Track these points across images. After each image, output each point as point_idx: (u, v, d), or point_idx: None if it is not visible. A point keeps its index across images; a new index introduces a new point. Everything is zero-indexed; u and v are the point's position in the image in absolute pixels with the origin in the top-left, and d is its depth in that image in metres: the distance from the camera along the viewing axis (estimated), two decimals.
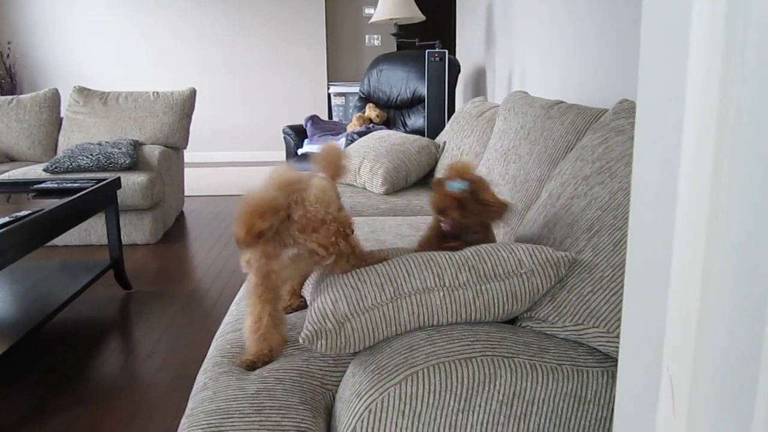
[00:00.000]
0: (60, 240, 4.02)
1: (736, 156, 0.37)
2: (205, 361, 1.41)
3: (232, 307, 1.65)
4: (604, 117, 1.65)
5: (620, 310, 1.08)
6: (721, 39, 0.40)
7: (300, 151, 4.53)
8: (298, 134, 4.64)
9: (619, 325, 1.08)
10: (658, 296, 0.40)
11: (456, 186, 1.42)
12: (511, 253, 1.24)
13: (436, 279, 1.19)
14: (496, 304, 1.20)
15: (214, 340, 1.51)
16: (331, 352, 1.17)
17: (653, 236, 0.44)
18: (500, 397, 1.05)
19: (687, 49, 0.44)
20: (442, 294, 1.18)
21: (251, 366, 1.30)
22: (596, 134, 1.57)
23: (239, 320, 1.51)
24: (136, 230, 4.04)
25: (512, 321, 1.31)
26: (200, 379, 1.33)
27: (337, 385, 1.26)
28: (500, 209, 1.43)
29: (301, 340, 1.16)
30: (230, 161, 7.69)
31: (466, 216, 1.42)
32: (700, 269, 0.37)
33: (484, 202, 1.42)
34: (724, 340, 0.34)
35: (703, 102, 0.40)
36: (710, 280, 0.36)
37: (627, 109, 1.57)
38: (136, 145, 4.23)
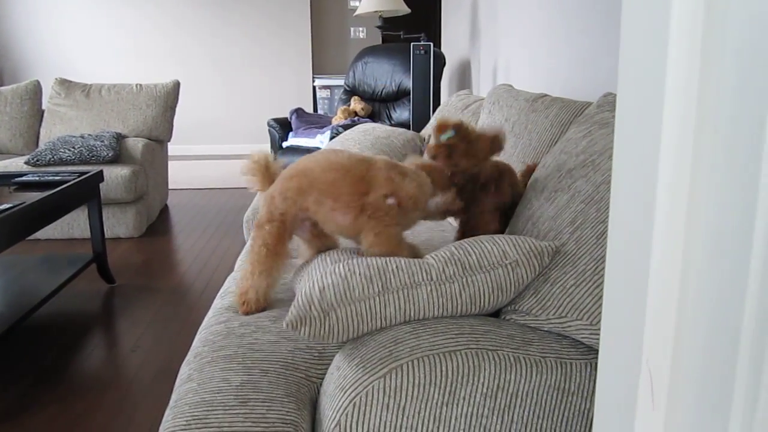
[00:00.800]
0: (42, 233, 3.99)
1: (716, 148, 0.37)
2: (189, 352, 1.41)
3: (216, 301, 1.64)
4: (588, 110, 1.66)
5: (601, 302, 1.09)
6: (700, 30, 0.40)
7: (285, 144, 4.51)
8: (282, 127, 4.63)
9: (599, 319, 1.08)
10: (638, 290, 0.41)
11: (443, 137, 1.54)
12: (495, 245, 1.25)
13: (424, 274, 1.20)
14: (482, 296, 1.21)
15: (198, 333, 1.50)
16: (312, 340, 1.17)
17: (633, 230, 0.44)
18: (484, 389, 1.06)
19: (666, 41, 0.44)
20: (429, 288, 1.18)
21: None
22: (580, 127, 1.58)
23: (223, 313, 1.51)
24: (119, 223, 4.01)
25: (496, 314, 1.32)
26: (184, 370, 1.33)
27: (322, 378, 1.26)
28: (490, 140, 1.56)
29: (284, 324, 1.16)
30: (214, 154, 7.65)
31: (460, 159, 1.54)
32: (679, 263, 0.37)
33: (472, 139, 1.54)
34: (704, 333, 0.34)
35: (682, 95, 0.40)
36: (689, 273, 0.36)
37: (611, 102, 1.58)
38: (119, 138, 4.19)
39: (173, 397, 1.26)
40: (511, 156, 1.96)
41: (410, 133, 3.19)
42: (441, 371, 1.05)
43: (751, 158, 0.31)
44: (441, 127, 1.55)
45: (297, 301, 1.18)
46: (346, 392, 1.06)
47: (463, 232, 1.66)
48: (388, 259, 1.23)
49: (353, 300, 1.16)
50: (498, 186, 1.63)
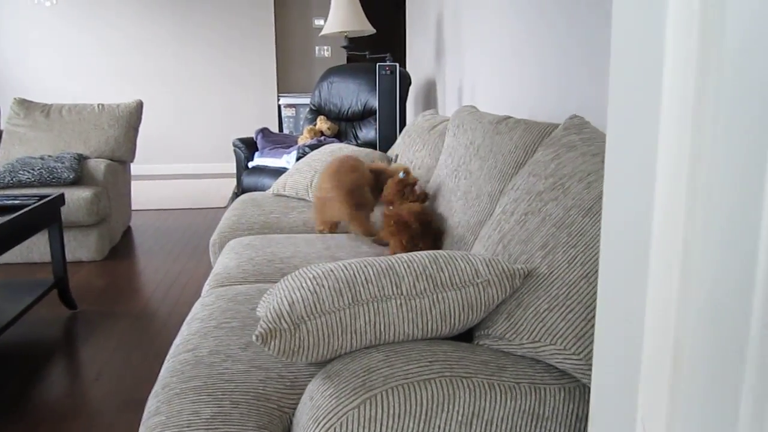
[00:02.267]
0: (0, 258, 3.88)
1: (710, 186, 0.37)
2: (156, 383, 1.37)
3: (183, 327, 1.61)
4: (555, 132, 1.67)
5: (576, 326, 1.09)
6: (696, 47, 0.40)
7: (251, 164, 4.48)
8: (248, 147, 4.59)
9: (575, 342, 1.09)
10: (632, 345, 0.40)
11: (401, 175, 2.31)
12: (468, 263, 1.25)
13: (394, 287, 1.20)
14: (453, 314, 1.21)
15: (165, 361, 1.47)
16: (282, 355, 1.15)
17: (625, 282, 0.44)
18: (459, 417, 1.05)
19: (662, 58, 0.44)
20: (399, 302, 1.18)
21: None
22: (548, 149, 1.59)
23: (191, 341, 1.48)
24: (80, 247, 3.92)
25: (469, 338, 1.31)
26: (151, 403, 1.29)
27: (295, 408, 1.23)
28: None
29: (254, 338, 1.14)
30: (179, 174, 7.55)
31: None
32: (673, 317, 0.37)
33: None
34: (702, 389, 0.33)
35: (677, 123, 0.40)
36: (685, 328, 0.36)
37: (577, 125, 1.60)
38: (81, 159, 4.11)
39: (141, 431, 1.22)
40: (478, 178, 1.97)
41: (377, 153, 3.19)
42: (416, 400, 1.04)
43: (752, 226, 0.31)
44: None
45: (266, 315, 1.17)
46: (319, 424, 1.04)
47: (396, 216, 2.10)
48: (356, 271, 1.23)
49: (323, 312, 1.16)
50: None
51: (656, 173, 0.42)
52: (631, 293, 0.43)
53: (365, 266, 1.25)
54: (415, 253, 1.31)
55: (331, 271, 1.24)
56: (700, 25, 0.39)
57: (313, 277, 1.24)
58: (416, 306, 1.19)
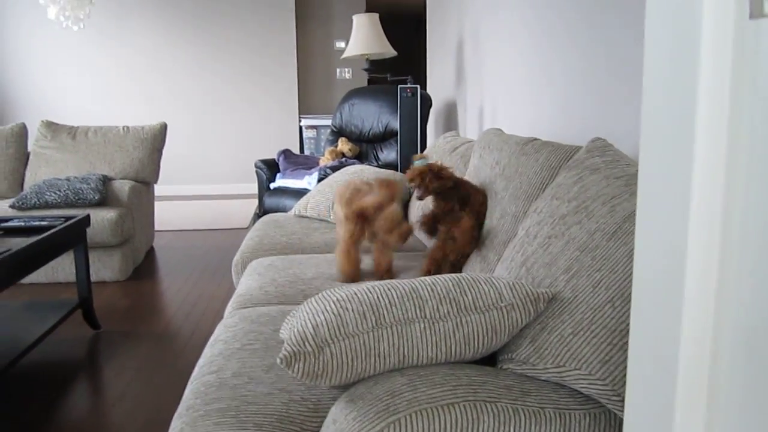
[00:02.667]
0: (26, 278, 3.93)
1: (746, 208, 0.37)
2: (180, 404, 1.38)
3: (207, 349, 1.62)
4: (577, 155, 1.67)
5: (601, 351, 1.09)
6: (728, 83, 0.40)
7: (272, 186, 4.51)
8: (270, 168, 4.63)
9: (600, 368, 1.08)
10: (667, 373, 0.40)
11: (417, 162, 2.06)
12: (491, 287, 1.25)
13: (418, 310, 1.20)
14: (476, 338, 1.20)
15: (189, 383, 1.47)
16: (306, 378, 1.15)
17: (659, 307, 0.44)
18: None
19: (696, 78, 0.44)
20: (422, 326, 1.18)
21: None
22: (571, 172, 1.59)
23: (214, 362, 1.49)
24: (104, 267, 3.97)
25: (492, 362, 1.31)
26: (176, 424, 1.30)
27: (318, 431, 1.23)
28: (450, 177, 2.11)
29: (278, 360, 1.15)
30: (201, 194, 7.63)
31: (429, 182, 2.09)
32: (709, 345, 0.36)
33: (438, 172, 2.10)
34: (737, 422, 0.33)
35: (712, 153, 0.40)
36: (721, 356, 0.36)
37: (600, 147, 1.60)
38: (106, 181, 4.17)
39: None
40: (503, 198, 1.97)
41: (398, 174, 3.20)
42: (439, 425, 1.04)
43: None
44: (415, 160, 2.17)
45: (290, 338, 1.17)
46: None
47: (445, 250, 2.10)
48: (380, 294, 1.23)
49: (347, 335, 1.16)
50: (479, 203, 2.09)
51: (691, 195, 0.42)
52: (664, 319, 0.43)
53: (389, 289, 1.25)
54: (438, 276, 1.31)
55: (355, 294, 1.25)
56: (734, 44, 0.40)
57: (337, 300, 1.24)
58: (440, 329, 1.19)
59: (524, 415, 1.07)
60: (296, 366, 1.15)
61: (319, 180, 4.05)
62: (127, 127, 4.62)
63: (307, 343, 1.15)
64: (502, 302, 1.23)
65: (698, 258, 0.40)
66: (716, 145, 0.39)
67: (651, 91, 0.46)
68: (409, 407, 1.06)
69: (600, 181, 1.42)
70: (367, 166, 3.42)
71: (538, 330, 1.22)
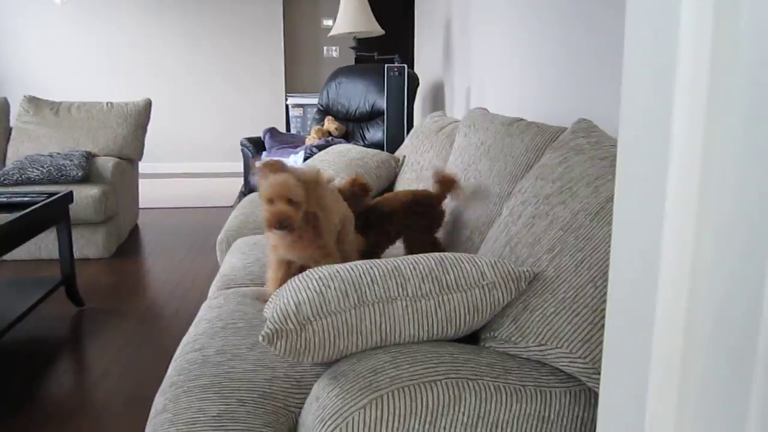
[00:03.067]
0: (8, 254, 3.90)
1: (722, 190, 0.38)
2: (164, 381, 1.38)
3: (191, 328, 1.62)
4: (562, 136, 1.67)
5: (583, 330, 1.10)
6: (708, 51, 0.40)
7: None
8: (255, 146, 4.61)
9: (581, 346, 1.09)
10: (642, 350, 0.40)
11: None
12: (473, 265, 1.26)
13: (400, 289, 1.20)
14: (458, 316, 1.21)
15: (173, 361, 1.47)
16: (288, 355, 1.16)
17: (635, 286, 0.44)
18: (465, 419, 1.05)
19: (675, 59, 0.44)
20: (404, 304, 1.19)
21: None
22: (555, 153, 1.59)
23: (198, 340, 1.49)
24: (88, 244, 3.94)
25: (475, 341, 1.32)
26: (158, 400, 1.30)
27: (301, 407, 1.24)
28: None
29: (260, 338, 1.15)
30: (186, 172, 7.58)
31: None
32: (682, 323, 0.37)
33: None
34: (710, 400, 0.34)
35: (689, 139, 0.41)
36: (694, 334, 0.36)
37: (585, 129, 1.60)
38: (89, 157, 4.13)
39: (147, 429, 1.23)
40: (487, 178, 1.97)
41: (384, 154, 3.20)
42: (421, 402, 1.05)
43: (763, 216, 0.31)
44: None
45: (273, 316, 1.18)
46: (325, 424, 1.04)
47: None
48: (362, 272, 1.24)
49: (329, 313, 1.17)
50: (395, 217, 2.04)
51: (668, 176, 0.42)
52: (640, 298, 0.44)
53: (371, 267, 1.25)
54: (421, 255, 1.32)
55: (337, 272, 1.25)
56: (714, 23, 0.40)
57: (320, 278, 1.24)
58: (422, 308, 1.20)
59: (506, 392, 1.08)
60: (278, 343, 1.15)
61: (305, 159, 4.03)
62: (111, 104, 4.57)
63: (289, 321, 1.15)
64: (483, 281, 1.23)
65: (674, 238, 0.40)
66: (694, 124, 0.39)
67: (630, 67, 0.46)
68: (391, 384, 1.06)
69: (584, 161, 1.42)
70: (354, 146, 3.41)
71: (520, 309, 1.23)
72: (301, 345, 1.15)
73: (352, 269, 1.25)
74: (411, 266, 1.26)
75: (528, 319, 1.19)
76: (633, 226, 0.46)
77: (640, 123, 0.47)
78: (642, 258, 0.43)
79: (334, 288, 1.20)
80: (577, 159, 1.46)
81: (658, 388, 0.38)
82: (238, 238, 2.58)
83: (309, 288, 1.22)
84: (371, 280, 1.22)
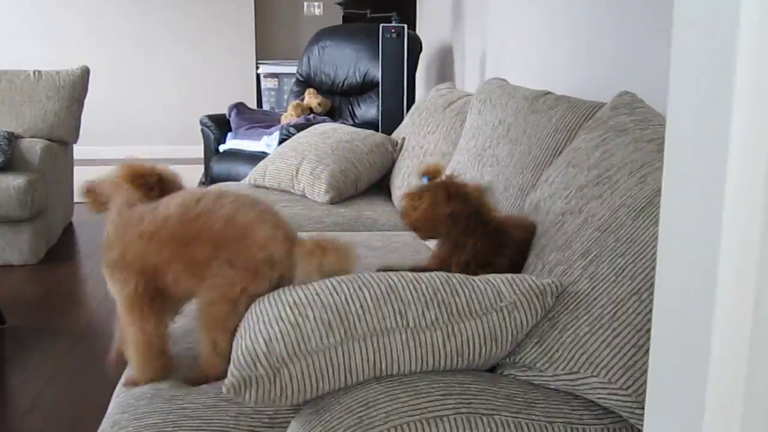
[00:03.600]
0: None
1: None
2: (104, 421, 1.38)
3: None
4: (600, 113, 1.68)
5: (624, 354, 1.10)
6: None
7: (222, 148, 4.49)
8: (219, 126, 4.60)
9: (622, 374, 1.09)
10: (695, 379, 0.40)
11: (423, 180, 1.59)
12: (487, 284, 1.25)
13: (398, 317, 1.19)
14: (472, 348, 1.21)
15: (115, 395, 1.47)
16: (263, 404, 1.16)
17: (687, 301, 0.44)
18: None
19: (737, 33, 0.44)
20: (404, 337, 1.18)
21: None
22: (591, 134, 1.59)
23: None
24: (10, 247, 3.94)
25: (492, 368, 1.32)
26: None
27: None
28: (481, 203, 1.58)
29: (224, 390, 1.15)
30: (132, 158, 7.56)
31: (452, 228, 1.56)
32: (747, 342, 0.37)
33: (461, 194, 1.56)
34: None
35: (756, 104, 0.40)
36: (761, 358, 0.36)
37: (628, 104, 1.60)
38: (11, 139, 4.12)
39: None
40: (507, 166, 1.97)
41: (379, 135, 3.20)
42: None
43: None
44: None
45: (237, 359, 1.17)
46: None
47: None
48: (349, 296, 1.22)
49: (309, 352, 1.15)
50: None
51: (728, 163, 0.42)
52: (694, 314, 0.43)
53: (360, 288, 1.24)
54: (420, 273, 1.30)
55: (317, 294, 1.24)
56: None
57: (294, 303, 1.23)
58: (426, 340, 1.19)
59: (529, 430, 1.08)
60: (247, 394, 1.14)
61: (281, 141, 4.04)
62: (39, 72, 4.55)
63: (258, 365, 1.14)
64: (501, 302, 1.23)
65: (735, 239, 0.40)
66: (761, 97, 0.39)
67: (681, 27, 0.46)
68: (387, 420, 1.06)
69: (627, 145, 1.43)
70: (341, 125, 3.42)
71: (547, 328, 1.23)
72: (275, 392, 1.15)
73: (336, 291, 1.24)
74: (411, 287, 1.24)
75: (557, 341, 1.19)
76: (684, 224, 0.46)
77: (694, 95, 0.47)
78: (695, 264, 0.43)
79: (315, 318, 1.19)
80: (619, 141, 1.46)
81: (716, 426, 0.38)
82: None
83: (282, 318, 1.20)
84: (361, 307, 1.20)
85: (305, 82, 4.99)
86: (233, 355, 1.20)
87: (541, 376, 1.20)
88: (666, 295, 0.49)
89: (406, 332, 1.19)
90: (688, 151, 0.48)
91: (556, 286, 1.25)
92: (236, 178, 4.13)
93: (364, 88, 4.77)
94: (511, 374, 1.25)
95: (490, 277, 1.28)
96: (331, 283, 1.26)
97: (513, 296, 1.23)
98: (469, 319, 1.21)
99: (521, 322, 1.23)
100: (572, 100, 1.93)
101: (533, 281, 1.25)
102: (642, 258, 1.16)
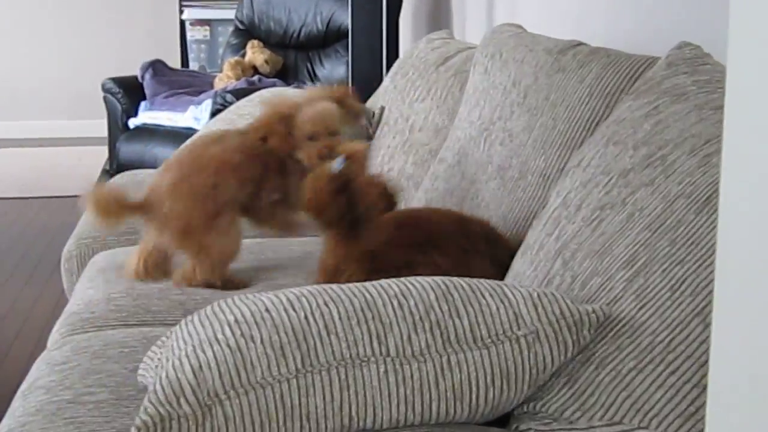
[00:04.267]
0: None
1: None
2: None
3: (16, 404, 1.61)
4: (651, 72, 1.68)
5: (684, 398, 1.10)
6: None
7: (133, 122, 4.47)
8: (129, 93, 4.58)
9: (681, 424, 1.10)
10: None
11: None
12: (502, 302, 1.25)
13: (375, 342, 1.19)
14: (476, 389, 1.21)
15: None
16: None
17: (754, 323, 0.44)
18: None
19: None
20: (383, 369, 1.18)
21: None
22: (639, 100, 1.60)
23: (29, 425, 1.48)
24: None
25: (503, 418, 1.32)
26: None
27: None
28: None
29: (133, 430, 1.13)
30: (11, 138, 7.51)
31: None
32: None
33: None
34: None
35: None
36: None
37: (690, 60, 1.61)
38: None
39: None
40: (524, 144, 1.98)
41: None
42: None
43: None
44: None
45: (156, 390, 1.16)
46: None
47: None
48: (310, 311, 1.21)
49: (252, 386, 1.15)
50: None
51: None
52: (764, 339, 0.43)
53: (325, 304, 1.23)
54: (411, 279, 1.30)
55: (267, 310, 1.23)
56: None
57: (236, 320, 1.22)
58: (412, 375, 1.18)
59: None
60: None
61: (214, 114, 4.03)
62: None
63: (183, 401, 1.14)
64: (519, 329, 1.22)
65: None
66: None
67: None
68: None
69: (688, 114, 1.43)
70: (296, 90, 3.41)
71: (579, 363, 1.23)
72: None
73: (293, 306, 1.23)
74: (395, 301, 1.24)
75: (592, 381, 1.19)
76: (750, 220, 0.46)
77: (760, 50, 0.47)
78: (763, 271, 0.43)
79: (262, 340, 1.18)
80: (676, 110, 1.47)
81: None
82: (100, 250, 2.56)
83: (218, 339, 1.20)
84: (325, 327, 1.20)
85: (247, 32, 4.98)
86: (151, 384, 1.20)
87: (572, 429, 1.20)
88: (726, 315, 0.48)
89: (386, 363, 1.18)
90: (755, 119, 0.48)
91: (598, 316, 1.23)
92: (152, 164, 4.10)
93: (329, 39, 4.77)
94: (529, 429, 1.25)
95: (507, 289, 1.27)
96: (286, 296, 1.26)
97: (536, 323, 1.22)
98: (472, 348, 1.20)
99: (545, 359, 1.22)
100: (612, 54, 1.94)
101: (567, 305, 1.24)
102: (707, 266, 1.17)
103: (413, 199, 2.46)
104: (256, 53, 4.73)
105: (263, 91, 3.45)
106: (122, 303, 2.03)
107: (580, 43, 2.11)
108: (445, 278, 1.30)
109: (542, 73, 2.05)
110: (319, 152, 2.07)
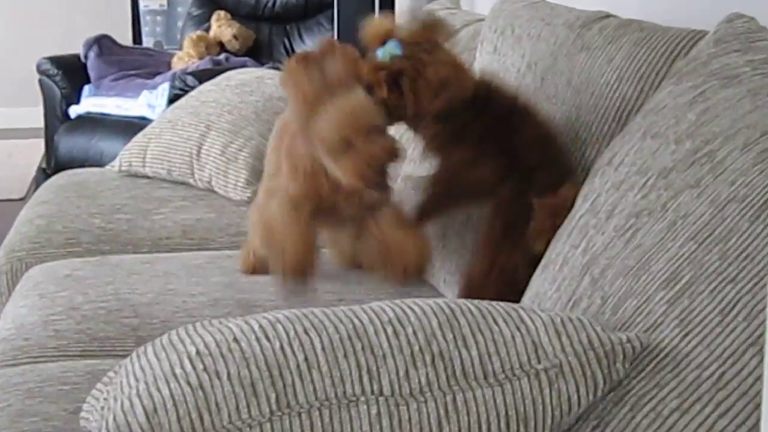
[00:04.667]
0: None
1: None
2: None
3: None
4: (696, 50, 1.68)
5: None
6: None
7: (74, 111, 4.47)
8: (70, 75, 4.59)
9: None
10: None
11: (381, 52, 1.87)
12: (519, 329, 1.25)
13: (365, 379, 1.19)
14: None
15: None
16: None
17: None
18: None
19: None
20: (374, 411, 1.18)
21: None
22: (682, 84, 1.60)
23: None
24: None
25: None
26: None
27: None
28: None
29: None
30: None
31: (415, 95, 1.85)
32: None
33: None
34: None
35: None
36: None
37: (742, 35, 1.61)
38: None
39: None
40: None
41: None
42: None
43: None
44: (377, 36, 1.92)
45: None
46: None
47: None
48: (287, 341, 1.21)
49: (218, 431, 1.15)
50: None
51: None
52: None
53: (305, 332, 1.23)
54: (412, 302, 1.29)
55: (235, 340, 1.23)
56: None
57: (198, 352, 1.22)
58: (411, 418, 1.18)
59: None
60: None
61: (172, 100, 4.03)
62: None
63: None
64: (540, 362, 1.22)
65: None
66: None
67: None
68: None
69: (740, 100, 1.43)
70: (271, 71, 3.41)
71: (610, 402, 1.23)
72: None
73: (265, 336, 1.23)
74: (390, 327, 1.24)
75: (627, 425, 1.20)
76: None
77: None
78: None
79: (229, 376, 1.18)
80: (726, 95, 1.47)
81: None
82: (34, 264, 2.57)
83: (176, 376, 1.20)
84: (305, 360, 1.20)
85: (212, 1, 4.99)
86: (96, 427, 1.20)
87: None
88: None
89: (378, 404, 1.18)
90: None
91: (633, 346, 1.23)
92: (97, 162, 4.09)
93: (310, 9, 4.78)
94: None
95: (524, 313, 1.27)
96: (258, 323, 1.25)
97: (560, 355, 1.22)
98: (483, 385, 1.20)
99: (570, 398, 1.21)
100: (648, 27, 1.94)
101: (596, 333, 1.23)
102: (765, 285, 1.17)
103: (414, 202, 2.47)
104: (222, 27, 4.73)
105: (232, 72, 3.45)
106: (62, 328, 2.03)
107: (608, 15, 2.11)
108: (449, 301, 1.29)
109: (562, 53, 2.06)
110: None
